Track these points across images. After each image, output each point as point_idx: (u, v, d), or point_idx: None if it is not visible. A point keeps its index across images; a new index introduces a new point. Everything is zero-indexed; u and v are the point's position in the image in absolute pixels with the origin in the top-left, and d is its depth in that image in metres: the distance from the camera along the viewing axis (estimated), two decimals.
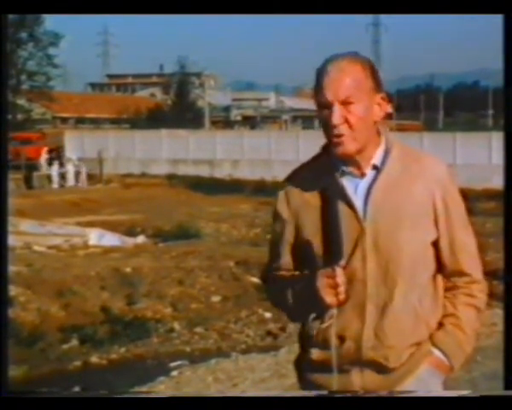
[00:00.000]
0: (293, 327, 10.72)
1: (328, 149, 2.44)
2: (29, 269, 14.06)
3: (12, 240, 10.82)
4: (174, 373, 9.76)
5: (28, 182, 35.65)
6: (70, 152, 41.37)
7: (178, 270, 14.65)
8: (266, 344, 11.26)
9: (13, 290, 11.69)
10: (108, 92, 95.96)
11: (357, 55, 2.42)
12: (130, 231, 21.71)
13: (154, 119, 59.43)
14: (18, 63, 53.05)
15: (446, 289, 2.50)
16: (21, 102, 52.88)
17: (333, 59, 2.38)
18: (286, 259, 2.53)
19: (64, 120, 65.84)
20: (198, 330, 12.03)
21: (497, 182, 28.52)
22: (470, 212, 2.54)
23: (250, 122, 73.15)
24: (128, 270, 14.30)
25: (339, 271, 2.33)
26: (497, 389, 4.87)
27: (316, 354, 2.46)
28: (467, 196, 2.82)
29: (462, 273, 2.49)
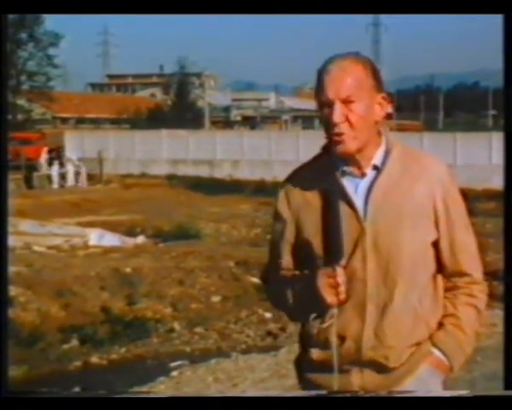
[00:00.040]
0: (293, 327, 10.72)
1: (328, 149, 2.44)
2: (29, 269, 14.06)
3: (12, 240, 10.82)
4: (174, 373, 9.77)
5: (28, 182, 35.66)
6: (70, 152, 41.37)
7: (178, 270, 14.65)
8: (266, 344, 11.26)
9: (13, 291, 11.68)
10: (108, 92, 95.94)
11: (359, 55, 2.43)
12: (131, 232, 21.72)
13: (154, 119, 59.42)
14: (18, 63, 53.04)
15: (446, 290, 2.50)
16: (21, 102, 52.87)
17: (334, 59, 2.39)
18: (286, 259, 2.53)
19: (64, 121, 65.82)
20: (198, 330, 12.03)
21: (497, 182, 28.53)
22: (470, 212, 2.54)
23: (250, 122, 73.13)
24: (128, 270, 14.30)
25: (339, 270, 2.33)
26: (496, 389, 4.86)
27: (316, 353, 2.46)
28: (467, 196, 2.82)
29: (462, 274, 2.49)
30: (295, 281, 2.47)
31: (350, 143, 2.37)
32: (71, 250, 17.52)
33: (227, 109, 77.89)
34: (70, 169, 37.42)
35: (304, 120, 75.26)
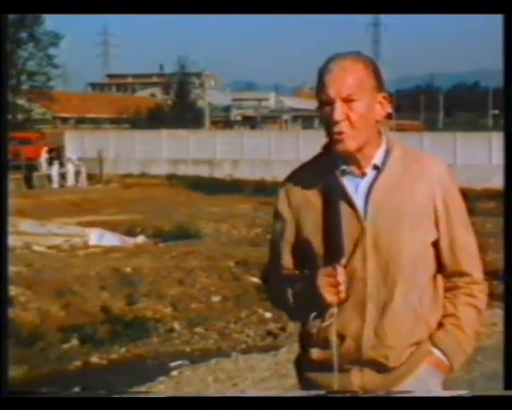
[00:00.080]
0: (293, 327, 10.73)
1: (329, 149, 2.44)
2: (29, 269, 14.06)
3: (12, 240, 10.82)
4: (174, 373, 9.77)
5: (28, 182, 35.66)
6: (70, 152, 41.39)
7: (178, 270, 14.66)
8: (266, 344, 11.27)
9: (13, 290, 11.68)
10: (108, 92, 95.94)
11: (360, 54, 2.43)
12: (131, 231, 21.72)
13: (154, 119, 59.44)
14: (18, 63, 53.04)
15: (447, 290, 2.50)
16: (21, 102, 52.88)
17: (335, 58, 2.39)
18: (286, 258, 2.53)
19: (64, 120, 65.84)
20: (198, 330, 12.03)
21: (497, 182, 28.52)
22: (470, 212, 2.54)
23: (250, 122, 73.16)
24: (128, 270, 14.30)
25: (340, 269, 2.33)
26: (496, 389, 4.86)
27: (316, 353, 2.46)
28: (467, 196, 2.82)
29: (462, 274, 2.49)
30: (295, 280, 2.47)
31: (350, 142, 2.37)
32: (71, 250, 17.52)
33: (227, 109, 77.92)
34: (70, 169, 37.43)
35: (304, 119, 75.28)
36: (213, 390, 8.39)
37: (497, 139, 36.08)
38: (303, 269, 2.49)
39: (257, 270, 13.34)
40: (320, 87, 2.38)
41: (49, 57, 55.30)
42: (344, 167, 2.42)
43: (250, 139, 43.41)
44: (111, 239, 19.28)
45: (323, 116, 2.39)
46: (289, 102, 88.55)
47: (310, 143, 31.21)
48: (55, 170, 36.81)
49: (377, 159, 2.43)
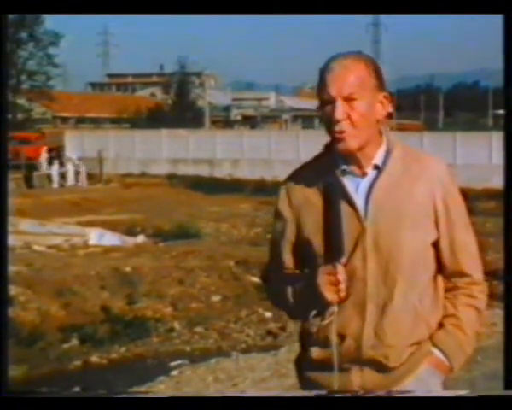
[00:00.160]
0: (293, 326, 10.73)
1: (329, 148, 2.44)
2: (29, 269, 14.06)
3: (12, 240, 10.82)
4: (174, 373, 9.77)
5: (28, 181, 35.65)
6: (70, 152, 41.38)
7: (178, 269, 14.66)
8: (266, 344, 11.27)
9: (13, 290, 11.68)
10: (108, 92, 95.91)
11: (361, 53, 2.43)
12: (131, 231, 21.72)
13: (154, 118, 59.42)
14: (18, 63, 53.04)
15: (447, 290, 2.50)
16: (21, 101, 52.88)
17: (336, 57, 2.39)
18: (286, 258, 2.53)
19: (64, 120, 65.83)
20: (198, 329, 12.04)
21: (497, 182, 28.51)
22: (470, 212, 2.54)
23: (250, 122, 73.15)
24: (128, 269, 14.31)
25: (340, 268, 2.34)
26: (497, 389, 4.86)
27: (316, 352, 2.46)
28: (467, 195, 2.82)
29: (462, 274, 2.49)
30: (295, 280, 2.47)
31: (351, 141, 2.37)
32: (71, 250, 17.52)
33: (227, 109, 77.92)
34: (70, 168, 37.43)
35: (304, 119, 75.25)
36: (213, 390, 8.39)
37: (497, 139, 36.07)
38: (303, 269, 2.49)
39: (257, 269, 13.34)
40: (321, 86, 2.38)
41: (49, 57, 55.32)
42: (344, 167, 2.42)
43: (250, 139, 43.40)
44: (111, 239, 19.28)
45: (324, 115, 2.40)
46: (289, 101, 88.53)
47: (310, 143, 31.23)
48: (55, 170, 36.79)
49: (378, 159, 2.43)
